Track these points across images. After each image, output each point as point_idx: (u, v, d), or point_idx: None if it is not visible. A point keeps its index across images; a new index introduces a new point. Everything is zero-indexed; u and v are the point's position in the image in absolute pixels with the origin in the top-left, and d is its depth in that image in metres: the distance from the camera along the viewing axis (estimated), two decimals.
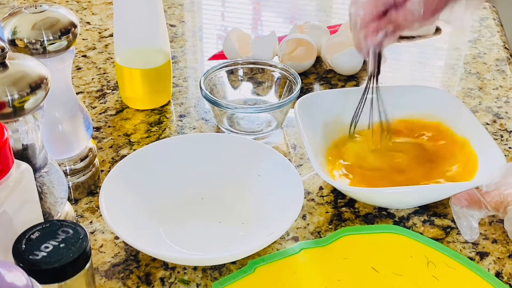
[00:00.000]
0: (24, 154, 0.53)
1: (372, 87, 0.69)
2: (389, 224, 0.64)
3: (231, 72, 0.82)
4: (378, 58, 0.67)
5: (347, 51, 0.86)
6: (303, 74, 0.88)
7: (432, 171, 0.67)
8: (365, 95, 0.69)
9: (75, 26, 0.59)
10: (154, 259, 0.59)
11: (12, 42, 0.56)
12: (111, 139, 0.76)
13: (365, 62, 0.91)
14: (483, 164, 0.65)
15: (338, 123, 0.73)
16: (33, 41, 0.56)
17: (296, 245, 0.60)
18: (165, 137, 0.75)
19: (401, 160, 0.69)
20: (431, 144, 0.71)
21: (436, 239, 0.62)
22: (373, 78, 0.68)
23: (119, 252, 0.60)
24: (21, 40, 0.56)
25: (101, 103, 0.82)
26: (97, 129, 0.77)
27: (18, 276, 0.37)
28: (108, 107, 0.81)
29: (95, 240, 0.62)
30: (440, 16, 0.65)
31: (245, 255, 0.57)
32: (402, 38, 1.01)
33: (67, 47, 0.58)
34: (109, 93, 0.84)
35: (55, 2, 1.10)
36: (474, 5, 0.66)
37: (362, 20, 0.66)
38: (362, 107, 0.70)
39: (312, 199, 0.67)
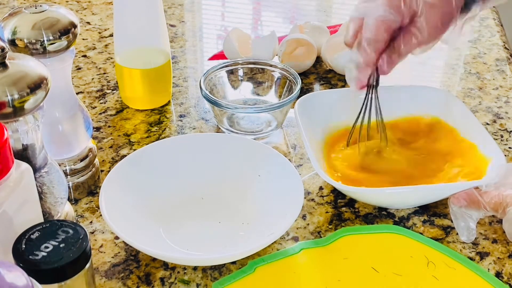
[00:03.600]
0: (24, 154, 0.53)
1: (372, 97, 0.68)
2: (389, 224, 0.64)
3: (231, 72, 0.82)
4: (377, 72, 0.67)
5: (347, 51, 0.85)
6: (303, 74, 0.88)
7: (434, 174, 0.67)
8: (365, 104, 0.69)
9: (75, 26, 0.59)
10: (154, 259, 0.59)
11: (12, 42, 0.56)
12: (111, 139, 0.76)
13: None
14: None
15: (338, 123, 0.73)
16: (33, 41, 0.56)
17: (296, 245, 0.60)
18: (165, 137, 0.75)
19: (400, 164, 0.69)
20: (431, 146, 0.71)
21: (436, 239, 0.62)
22: (373, 89, 0.68)
23: (119, 252, 0.60)
24: (21, 40, 0.56)
25: (101, 103, 0.82)
26: (97, 129, 0.77)
27: (18, 276, 0.37)
28: (108, 107, 0.81)
29: (95, 240, 0.62)
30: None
31: (245, 255, 0.57)
32: None
33: (67, 47, 0.58)
34: (109, 93, 0.84)
35: (55, 2, 1.10)
36: (470, 22, 0.66)
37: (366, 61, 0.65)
38: (363, 115, 0.69)
39: (312, 199, 0.67)
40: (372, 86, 0.68)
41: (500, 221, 0.63)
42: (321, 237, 0.62)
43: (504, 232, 0.62)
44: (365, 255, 0.59)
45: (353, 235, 0.62)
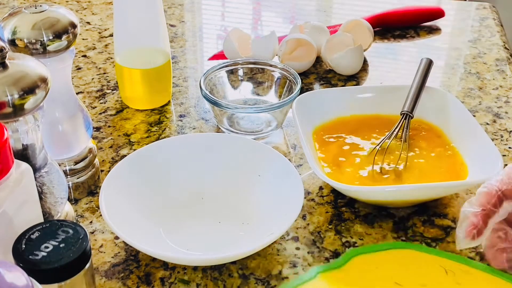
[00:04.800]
0: (24, 154, 0.53)
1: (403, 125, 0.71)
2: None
3: (231, 72, 0.82)
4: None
5: (347, 51, 0.86)
6: (303, 74, 0.88)
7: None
8: (395, 130, 0.70)
9: (75, 26, 0.59)
10: (154, 259, 0.59)
11: (12, 42, 0.56)
12: (111, 139, 0.76)
13: (365, 61, 0.91)
14: (482, 164, 0.65)
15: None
16: (33, 41, 0.56)
17: (309, 270, 0.59)
18: (165, 137, 0.75)
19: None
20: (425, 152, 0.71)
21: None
22: (407, 118, 0.71)
23: (119, 252, 0.60)
24: (21, 40, 0.56)
25: (101, 103, 0.82)
26: (97, 129, 0.77)
27: (18, 276, 0.37)
28: (108, 107, 0.81)
29: (95, 240, 0.62)
30: None
31: (245, 255, 0.57)
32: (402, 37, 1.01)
33: (67, 47, 0.58)
34: (109, 93, 0.84)
35: (55, 2, 1.10)
36: None
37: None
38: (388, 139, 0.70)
39: (312, 199, 0.67)
40: (407, 115, 0.70)
41: None
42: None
43: None
44: (383, 272, 0.58)
45: (363, 255, 0.60)
